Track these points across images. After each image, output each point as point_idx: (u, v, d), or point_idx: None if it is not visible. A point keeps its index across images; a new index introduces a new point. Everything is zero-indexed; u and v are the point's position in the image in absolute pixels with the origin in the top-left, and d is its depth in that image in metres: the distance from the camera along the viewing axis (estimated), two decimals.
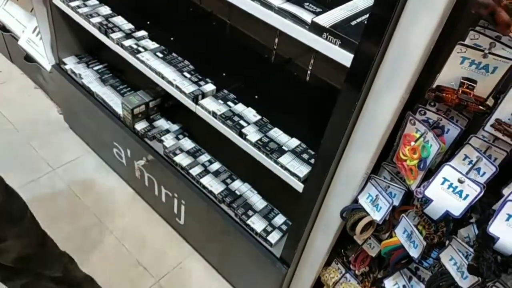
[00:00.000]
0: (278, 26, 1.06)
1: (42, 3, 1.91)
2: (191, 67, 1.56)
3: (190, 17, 1.86)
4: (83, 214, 1.99)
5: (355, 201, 1.14)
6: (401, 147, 0.98)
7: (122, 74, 2.09)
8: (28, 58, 2.39)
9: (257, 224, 1.53)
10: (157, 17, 1.84)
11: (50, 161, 2.20)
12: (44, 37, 2.07)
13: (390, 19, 0.82)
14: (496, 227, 0.80)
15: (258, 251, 1.50)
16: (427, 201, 0.90)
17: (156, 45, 1.63)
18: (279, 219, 1.57)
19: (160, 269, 1.85)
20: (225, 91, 1.50)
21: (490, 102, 0.84)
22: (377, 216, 1.09)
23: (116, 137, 1.94)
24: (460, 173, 0.86)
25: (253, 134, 1.34)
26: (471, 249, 0.93)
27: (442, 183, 0.88)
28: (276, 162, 1.27)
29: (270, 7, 1.05)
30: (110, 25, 1.68)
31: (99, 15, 1.73)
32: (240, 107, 1.44)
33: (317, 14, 1.03)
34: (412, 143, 0.94)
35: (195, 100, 1.43)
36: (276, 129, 1.38)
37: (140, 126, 1.83)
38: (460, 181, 0.86)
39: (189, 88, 1.45)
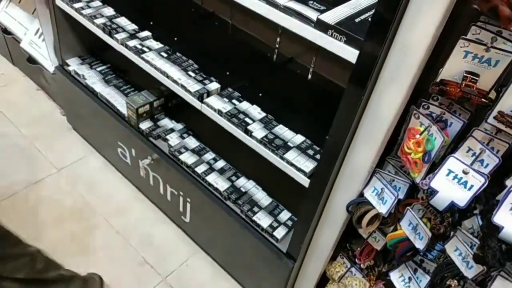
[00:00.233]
0: (285, 24, 1.07)
1: (45, 5, 1.93)
2: (195, 66, 1.58)
3: (192, 17, 1.88)
4: (89, 214, 2.01)
5: (361, 195, 1.17)
6: (406, 141, 1.00)
7: (125, 75, 2.11)
8: (31, 60, 2.40)
9: (263, 220, 1.55)
10: (159, 18, 1.86)
11: (54, 162, 2.22)
12: (47, 39, 2.08)
13: (395, 16, 0.84)
14: (501, 217, 0.83)
15: (264, 247, 1.52)
16: (432, 192, 0.93)
17: (160, 45, 1.65)
18: (285, 215, 1.59)
19: (167, 267, 1.86)
20: (230, 89, 1.52)
21: (492, 95, 0.86)
22: (383, 209, 1.11)
23: (121, 136, 1.96)
24: (465, 164, 0.89)
25: (258, 131, 1.36)
26: (476, 240, 0.95)
27: (447, 175, 0.90)
28: (282, 158, 1.29)
29: (275, 5, 1.07)
30: (114, 26, 1.70)
31: (102, 16, 1.75)
32: (245, 105, 1.46)
33: (322, 12, 1.04)
34: (417, 136, 0.96)
35: (201, 98, 1.45)
36: (281, 126, 1.40)
37: (145, 125, 1.84)
38: (465, 172, 0.88)
39: (194, 87, 1.47)
